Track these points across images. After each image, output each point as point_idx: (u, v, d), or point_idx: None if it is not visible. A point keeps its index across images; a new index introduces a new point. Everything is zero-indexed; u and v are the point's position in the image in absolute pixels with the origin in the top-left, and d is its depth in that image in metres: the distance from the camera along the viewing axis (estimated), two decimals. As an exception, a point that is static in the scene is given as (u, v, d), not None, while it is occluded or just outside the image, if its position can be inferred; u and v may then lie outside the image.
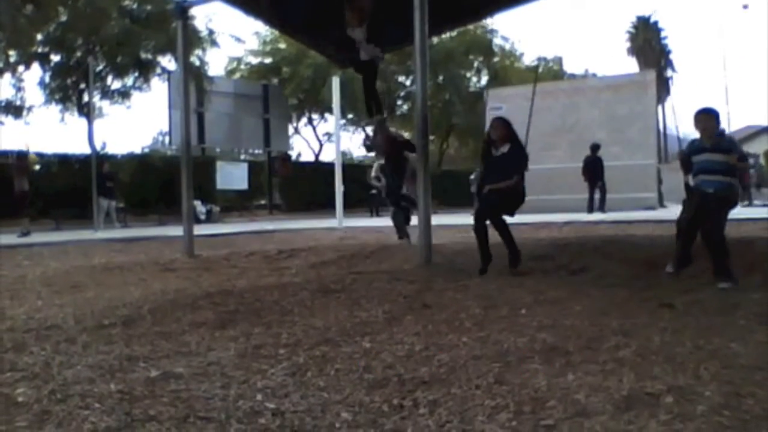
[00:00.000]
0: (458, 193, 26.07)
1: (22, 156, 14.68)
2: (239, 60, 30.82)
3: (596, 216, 13.46)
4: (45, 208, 16.04)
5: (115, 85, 22.17)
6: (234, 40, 37.55)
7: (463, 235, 9.91)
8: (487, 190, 5.38)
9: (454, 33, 28.91)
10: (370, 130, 7.96)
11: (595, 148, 15.35)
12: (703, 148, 4.82)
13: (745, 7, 49.38)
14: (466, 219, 15.39)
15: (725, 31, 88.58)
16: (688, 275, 4.66)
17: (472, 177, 21.36)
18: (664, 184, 18.86)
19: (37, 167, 16.93)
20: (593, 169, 15.17)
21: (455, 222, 12.99)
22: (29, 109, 21.34)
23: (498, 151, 5.47)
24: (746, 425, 1.82)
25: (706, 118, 4.85)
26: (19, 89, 20.98)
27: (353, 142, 79.78)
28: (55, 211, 16.43)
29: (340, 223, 13.56)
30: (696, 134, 5.02)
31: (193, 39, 18.76)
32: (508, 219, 5.44)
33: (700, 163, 4.81)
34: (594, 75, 34.80)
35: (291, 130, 31.68)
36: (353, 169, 25.82)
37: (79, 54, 20.43)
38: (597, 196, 15.33)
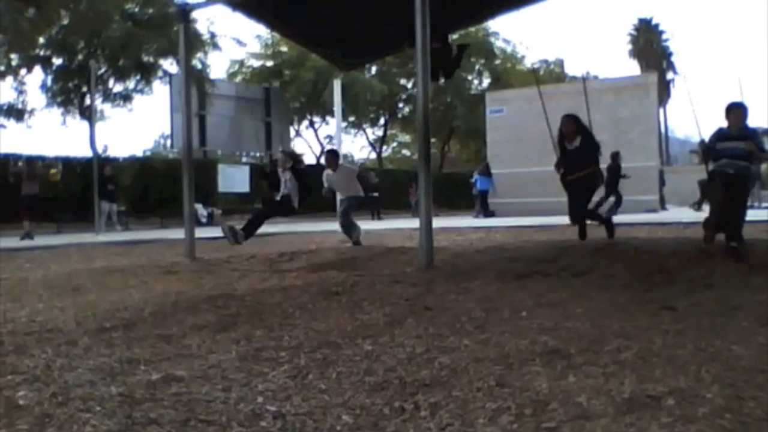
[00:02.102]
0: (460, 196, 26.09)
1: (32, 161, 14.79)
2: (241, 63, 30.90)
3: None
4: (47, 212, 16.09)
5: (117, 88, 22.24)
6: (236, 43, 37.71)
7: (465, 237, 9.92)
8: (570, 182, 6.53)
9: (455, 36, 28.95)
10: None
11: (615, 156, 15.31)
12: (731, 136, 5.62)
13: None
14: (468, 222, 15.37)
15: (726, 31, 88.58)
16: (688, 279, 4.65)
17: (472, 180, 21.39)
18: (666, 186, 18.86)
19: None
20: (610, 176, 15.14)
21: (457, 225, 13.01)
22: (31, 112, 21.42)
23: (571, 144, 6.34)
24: (748, 428, 1.82)
25: (738, 110, 5.71)
26: (20, 92, 21.08)
27: (355, 145, 79.83)
28: (57, 214, 16.46)
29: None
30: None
31: (194, 42, 18.80)
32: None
33: (727, 149, 5.62)
34: (595, 77, 34.83)
35: (292, 132, 31.75)
36: (354, 172, 25.78)
37: (80, 57, 20.48)
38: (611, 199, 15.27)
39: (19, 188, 13.16)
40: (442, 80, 8.74)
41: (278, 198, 8.18)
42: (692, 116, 19.13)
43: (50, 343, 3.13)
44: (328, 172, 8.91)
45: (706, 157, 5.99)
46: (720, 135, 5.74)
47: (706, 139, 6.06)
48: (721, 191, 5.58)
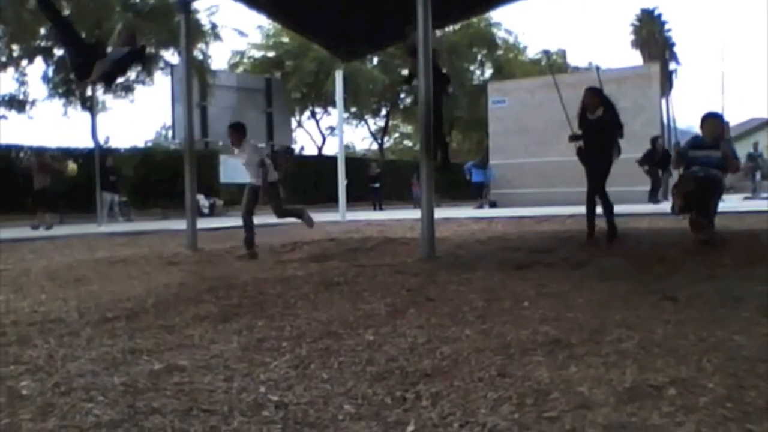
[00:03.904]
0: (461, 187, 26.05)
1: (41, 153, 14.83)
2: (242, 54, 30.80)
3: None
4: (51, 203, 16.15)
5: (118, 78, 22.12)
6: (237, 33, 37.63)
7: (466, 228, 9.92)
8: (587, 150, 6.40)
9: (457, 26, 28.87)
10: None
11: (655, 140, 15.40)
12: (705, 144, 5.74)
13: None
14: (469, 212, 15.36)
15: (727, 21, 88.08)
16: (690, 270, 4.65)
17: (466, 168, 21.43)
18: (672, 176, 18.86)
19: None
20: (648, 160, 15.22)
21: (458, 215, 13.00)
22: (32, 103, 21.40)
23: (593, 114, 6.35)
24: (749, 417, 1.82)
25: (713, 122, 5.83)
26: (22, 83, 21.04)
27: (356, 136, 79.75)
28: (59, 205, 16.48)
29: (343, 216, 13.57)
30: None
31: (195, 33, 18.72)
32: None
33: (700, 158, 5.68)
34: (598, 68, 34.68)
35: (294, 123, 31.70)
36: (356, 163, 25.83)
37: (82, 48, 20.39)
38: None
39: (31, 180, 13.27)
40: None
41: None
42: (684, 113, 19.17)
43: (53, 334, 3.15)
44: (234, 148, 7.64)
45: (678, 163, 6.06)
46: (694, 143, 5.90)
47: (682, 142, 6.30)
48: (693, 182, 5.67)
